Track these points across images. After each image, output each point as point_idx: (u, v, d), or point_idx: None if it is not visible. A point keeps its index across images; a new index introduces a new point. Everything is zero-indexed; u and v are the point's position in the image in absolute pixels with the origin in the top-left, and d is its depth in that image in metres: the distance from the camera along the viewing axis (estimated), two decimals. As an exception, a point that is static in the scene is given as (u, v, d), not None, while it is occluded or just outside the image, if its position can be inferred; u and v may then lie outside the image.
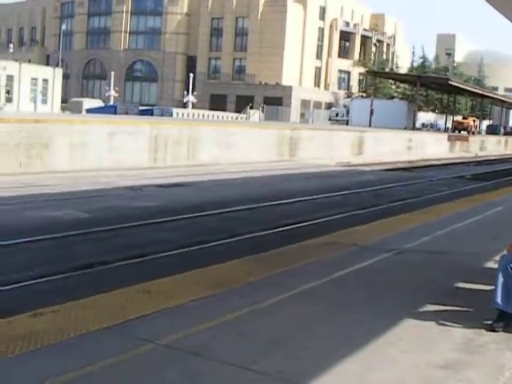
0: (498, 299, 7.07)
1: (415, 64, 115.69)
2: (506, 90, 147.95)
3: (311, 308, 7.43)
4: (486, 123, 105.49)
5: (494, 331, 6.98)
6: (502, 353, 6.45)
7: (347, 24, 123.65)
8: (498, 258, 9.12)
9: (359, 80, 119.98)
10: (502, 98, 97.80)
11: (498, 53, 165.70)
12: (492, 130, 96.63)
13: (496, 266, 7.89)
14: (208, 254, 11.71)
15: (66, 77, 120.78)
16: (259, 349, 6.07)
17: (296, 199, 20.13)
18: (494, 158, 59.89)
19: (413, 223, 13.87)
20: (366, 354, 6.12)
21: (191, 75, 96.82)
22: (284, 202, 19.50)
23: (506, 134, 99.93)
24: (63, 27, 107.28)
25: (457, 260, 10.47)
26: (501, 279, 7.10)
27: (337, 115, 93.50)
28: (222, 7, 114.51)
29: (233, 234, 14.03)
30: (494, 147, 73.82)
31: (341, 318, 7.13)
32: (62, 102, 78.70)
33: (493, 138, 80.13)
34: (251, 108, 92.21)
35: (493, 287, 7.28)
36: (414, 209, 17.36)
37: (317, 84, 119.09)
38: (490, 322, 7.08)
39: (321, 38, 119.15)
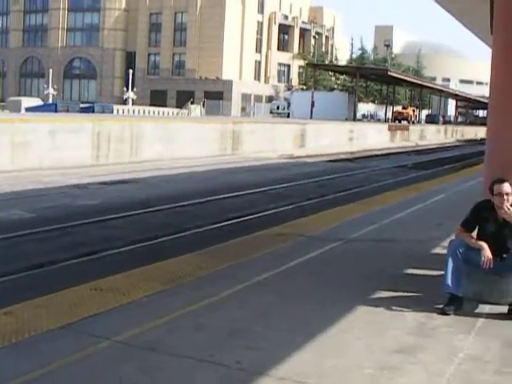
0: (449, 283, 7.24)
1: (354, 56, 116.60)
2: (444, 79, 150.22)
3: (264, 299, 7.48)
4: (425, 113, 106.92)
5: (446, 314, 7.14)
6: (453, 335, 6.60)
7: (286, 17, 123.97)
8: (443, 243, 9.32)
9: (299, 73, 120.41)
10: (440, 88, 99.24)
11: (434, 43, 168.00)
12: (431, 119, 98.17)
13: (442, 251, 8.06)
14: (157, 250, 11.69)
15: (3, 75, 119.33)
16: (216, 341, 6.10)
17: (242, 192, 20.19)
18: (433, 146, 60.74)
19: (358, 212, 14.03)
20: (321, 343, 6.20)
21: (130, 71, 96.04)
22: (230, 195, 19.53)
23: (444, 122, 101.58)
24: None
25: (404, 247, 10.62)
26: (451, 263, 7.27)
27: (278, 108, 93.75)
28: (160, 2, 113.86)
29: (181, 228, 14.02)
30: (433, 136, 74.84)
31: (294, 308, 7.21)
32: (0, 101, 77.49)
33: (432, 127, 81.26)
34: (192, 103, 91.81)
35: (441, 272, 7.44)
36: (359, 198, 17.56)
37: (257, 77, 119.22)
38: (441, 306, 7.23)
39: (260, 32, 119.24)
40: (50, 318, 6.47)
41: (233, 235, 11.56)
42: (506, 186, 7.29)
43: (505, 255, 7.33)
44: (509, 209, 7.25)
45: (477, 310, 7.42)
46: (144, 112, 75.69)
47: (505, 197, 7.25)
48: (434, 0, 22.63)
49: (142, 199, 18.15)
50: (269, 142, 39.73)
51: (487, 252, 7.19)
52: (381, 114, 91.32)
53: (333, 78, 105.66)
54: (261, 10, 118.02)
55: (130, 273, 8.45)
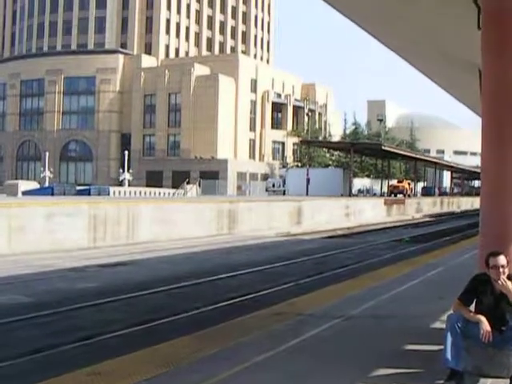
0: (449, 358, 7.20)
1: (348, 131, 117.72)
2: (438, 151, 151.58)
3: (263, 380, 7.43)
4: (420, 185, 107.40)
5: (447, 390, 7.08)
6: (455, 412, 6.54)
7: (279, 95, 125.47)
8: (442, 318, 9.28)
9: (294, 150, 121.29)
10: (434, 160, 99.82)
11: (427, 115, 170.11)
12: (427, 192, 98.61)
13: (441, 325, 8.03)
14: (155, 333, 11.62)
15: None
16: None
17: (238, 272, 20.15)
18: (430, 219, 60.85)
19: (356, 289, 13.98)
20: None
21: (126, 153, 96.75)
22: (227, 275, 19.47)
23: (440, 194, 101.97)
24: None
25: (403, 323, 10.57)
26: (449, 338, 7.24)
27: (273, 186, 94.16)
28: (154, 84, 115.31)
29: (178, 310, 13.96)
30: (429, 208, 75.06)
31: (294, 389, 7.15)
32: (-3, 185, 77.83)
33: (428, 200, 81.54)
34: (188, 183, 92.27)
35: (441, 347, 7.40)
36: (357, 274, 17.51)
37: (252, 156, 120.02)
38: (441, 382, 7.17)
39: (253, 110, 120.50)
40: (47, 405, 6.42)
41: (230, 316, 11.50)
42: (501, 259, 7.31)
43: (503, 328, 7.31)
44: (505, 281, 7.26)
45: (478, 385, 7.37)
46: (140, 193, 75.98)
47: (500, 269, 7.27)
48: (424, 75, 23.03)
49: (139, 281, 18.10)
50: (265, 220, 39.81)
51: (486, 325, 7.17)
52: (376, 188, 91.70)
53: (327, 154, 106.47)
54: (254, 88, 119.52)
55: (128, 356, 8.39)
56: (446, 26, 13.68)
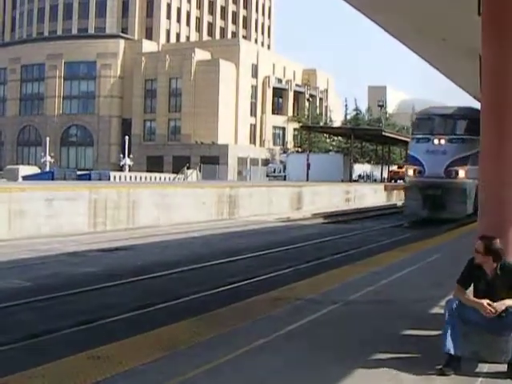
0: (447, 343, 7.24)
1: (348, 117, 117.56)
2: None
3: (261, 364, 7.46)
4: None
5: (445, 375, 7.12)
6: (453, 397, 6.58)
7: (280, 81, 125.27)
8: (441, 303, 9.31)
9: (294, 135, 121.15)
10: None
11: (427, 101, 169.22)
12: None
13: (440, 311, 8.05)
14: (154, 317, 11.65)
15: (0, 144, 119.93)
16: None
17: (238, 257, 20.17)
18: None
19: (355, 274, 14.01)
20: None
21: (126, 138, 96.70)
22: (226, 260, 19.50)
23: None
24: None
25: (401, 308, 10.60)
26: (448, 323, 7.28)
27: (274, 171, 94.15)
28: (154, 69, 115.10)
29: (178, 295, 13.98)
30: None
31: (292, 373, 7.18)
32: (-3, 169, 77.82)
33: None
34: (188, 168, 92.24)
35: (439, 332, 7.43)
36: (356, 260, 17.52)
37: (252, 141, 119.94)
38: (440, 367, 7.20)
39: (254, 96, 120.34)
40: (47, 388, 6.44)
41: (229, 301, 11.52)
42: (477, 244, 7.52)
43: (502, 314, 7.33)
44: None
45: (476, 370, 7.39)
46: (141, 178, 75.98)
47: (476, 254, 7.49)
48: (425, 61, 23.01)
49: (139, 266, 18.15)
50: (265, 206, 39.83)
51: (484, 303, 7.20)
52: (377, 173, 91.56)
53: (328, 140, 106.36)
54: (255, 74, 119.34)
55: (127, 341, 8.42)
56: (446, 12, 13.68)
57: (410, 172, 36.01)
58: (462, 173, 33.70)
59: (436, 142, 34.66)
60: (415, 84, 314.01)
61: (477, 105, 31.73)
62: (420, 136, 36.24)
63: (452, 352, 7.23)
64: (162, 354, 7.69)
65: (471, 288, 7.60)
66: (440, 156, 34.22)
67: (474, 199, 32.43)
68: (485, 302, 7.22)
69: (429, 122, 36.04)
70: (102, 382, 6.68)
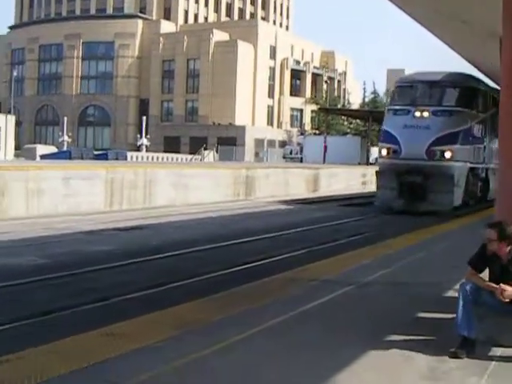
0: (461, 326, 7.21)
1: (367, 100, 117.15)
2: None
3: (276, 345, 7.46)
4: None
5: (458, 358, 7.09)
6: (467, 378, 6.57)
7: (298, 62, 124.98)
8: (455, 286, 9.29)
9: (312, 117, 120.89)
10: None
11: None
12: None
13: (454, 294, 8.03)
14: (169, 295, 11.68)
15: (18, 123, 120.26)
16: (226, 386, 6.10)
17: (254, 238, 20.17)
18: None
19: (370, 257, 14.02)
20: (332, 387, 6.19)
21: (144, 118, 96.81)
22: (242, 240, 19.51)
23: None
24: (14, 74, 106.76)
25: (416, 291, 10.60)
26: (461, 306, 7.25)
27: (291, 153, 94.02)
28: (172, 50, 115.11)
29: (193, 274, 14.01)
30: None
31: (305, 353, 7.19)
32: (16, 148, 78.09)
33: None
34: (205, 149, 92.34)
35: (454, 315, 7.41)
36: (371, 243, 17.50)
37: (270, 123, 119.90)
38: (453, 349, 7.18)
39: (272, 77, 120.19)
40: (61, 363, 6.46)
41: (244, 281, 11.53)
42: (487, 232, 7.41)
43: (518, 297, 7.28)
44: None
45: (490, 353, 7.37)
46: (158, 158, 76.14)
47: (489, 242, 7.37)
48: (445, 44, 22.86)
49: (154, 245, 18.18)
50: (282, 187, 39.83)
51: (500, 287, 7.14)
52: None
53: (345, 123, 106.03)
54: (273, 55, 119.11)
55: (142, 318, 8.45)
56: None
57: (384, 152, 29.61)
58: (448, 154, 27.59)
59: (418, 114, 28.09)
60: (435, 67, 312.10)
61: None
62: (398, 107, 29.74)
63: (466, 334, 7.21)
64: (176, 333, 7.72)
65: (486, 271, 7.57)
66: (422, 132, 27.80)
67: (465, 187, 28.52)
68: (500, 286, 7.18)
69: (411, 90, 29.56)
70: (117, 358, 6.70)
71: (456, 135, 27.88)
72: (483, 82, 31.54)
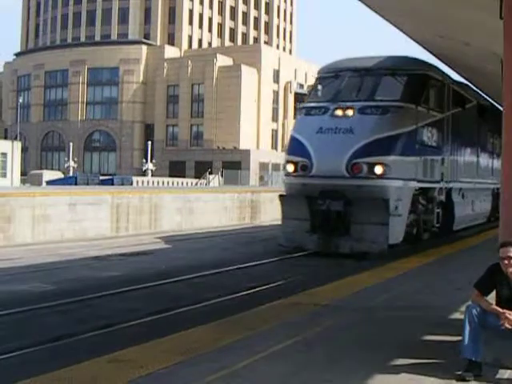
0: (467, 348, 7.17)
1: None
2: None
3: (281, 369, 7.46)
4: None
5: (465, 381, 7.06)
6: (473, 402, 6.56)
7: (301, 86, 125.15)
8: (461, 309, 9.28)
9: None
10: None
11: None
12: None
13: (460, 316, 8.02)
14: (175, 321, 11.67)
15: (24, 149, 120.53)
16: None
17: (259, 262, 20.13)
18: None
19: (373, 281, 14.02)
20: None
21: (149, 143, 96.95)
22: (247, 265, 19.47)
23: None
24: (20, 100, 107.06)
25: (421, 314, 10.58)
26: (468, 329, 7.20)
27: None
28: (177, 75, 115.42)
29: (199, 299, 14.00)
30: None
31: (311, 378, 7.18)
32: (22, 174, 78.29)
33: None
34: (210, 173, 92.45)
35: (460, 338, 7.39)
36: (374, 266, 17.43)
37: (274, 146, 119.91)
38: (460, 372, 7.16)
39: (276, 101, 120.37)
40: (68, 391, 6.49)
41: (249, 305, 11.54)
42: (509, 250, 7.29)
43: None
44: None
45: (497, 376, 7.34)
46: (163, 183, 76.23)
47: (506, 261, 7.26)
48: (447, 66, 22.95)
49: (160, 270, 18.19)
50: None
51: (505, 314, 7.11)
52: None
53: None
54: (276, 79, 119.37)
55: (148, 344, 8.47)
56: (469, 16, 13.64)
57: (289, 168, 21.29)
58: (379, 168, 19.52)
59: (339, 113, 20.44)
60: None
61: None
62: (312, 105, 21.98)
63: (472, 357, 7.18)
64: (182, 358, 7.73)
65: (493, 294, 7.55)
66: (342, 138, 19.91)
67: (412, 216, 21.21)
68: (505, 314, 7.14)
69: (335, 81, 21.84)
70: (123, 386, 6.72)
71: (392, 141, 19.98)
72: (441, 71, 23.46)
